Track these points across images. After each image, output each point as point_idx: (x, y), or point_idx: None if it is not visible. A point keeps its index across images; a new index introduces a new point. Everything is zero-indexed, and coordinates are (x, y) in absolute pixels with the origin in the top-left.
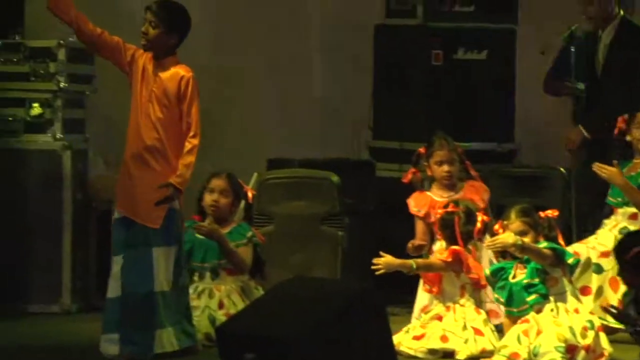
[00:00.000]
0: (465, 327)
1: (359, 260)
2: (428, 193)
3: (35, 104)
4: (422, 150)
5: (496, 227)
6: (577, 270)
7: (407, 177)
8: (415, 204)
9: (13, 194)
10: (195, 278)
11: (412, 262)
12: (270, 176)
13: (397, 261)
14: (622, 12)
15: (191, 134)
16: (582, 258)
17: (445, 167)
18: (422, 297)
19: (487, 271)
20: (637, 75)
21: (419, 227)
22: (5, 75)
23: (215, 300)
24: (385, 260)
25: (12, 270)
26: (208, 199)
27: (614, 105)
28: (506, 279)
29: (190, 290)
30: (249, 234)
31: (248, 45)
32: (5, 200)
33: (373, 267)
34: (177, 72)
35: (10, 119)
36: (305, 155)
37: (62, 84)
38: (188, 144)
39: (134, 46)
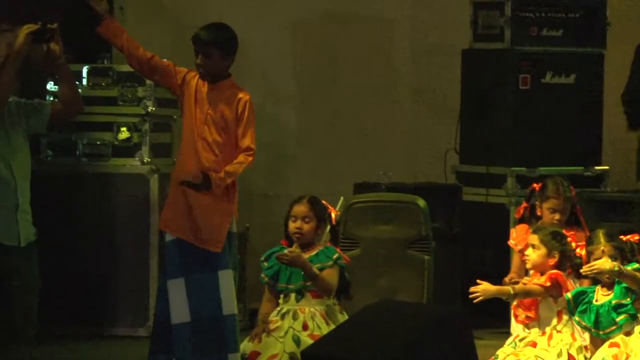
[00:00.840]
0: (560, 354)
1: (445, 284)
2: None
3: (123, 128)
4: (536, 187)
5: (578, 250)
6: None
7: (520, 212)
8: (517, 236)
9: (101, 218)
10: (280, 300)
11: (509, 289)
12: (357, 200)
13: (494, 288)
14: None
15: (249, 152)
16: None
17: (557, 216)
18: (517, 328)
19: (569, 295)
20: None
21: (515, 260)
22: (94, 100)
23: (299, 322)
24: (482, 288)
25: (99, 293)
26: (292, 226)
27: None
28: (589, 302)
29: (274, 312)
30: (335, 255)
31: (335, 68)
32: (93, 223)
33: (471, 296)
34: (234, 95)
35: (98, 142)
36: (393, 179)
37: (149, 108)
38: (242, 157)
39: (185, 68)
